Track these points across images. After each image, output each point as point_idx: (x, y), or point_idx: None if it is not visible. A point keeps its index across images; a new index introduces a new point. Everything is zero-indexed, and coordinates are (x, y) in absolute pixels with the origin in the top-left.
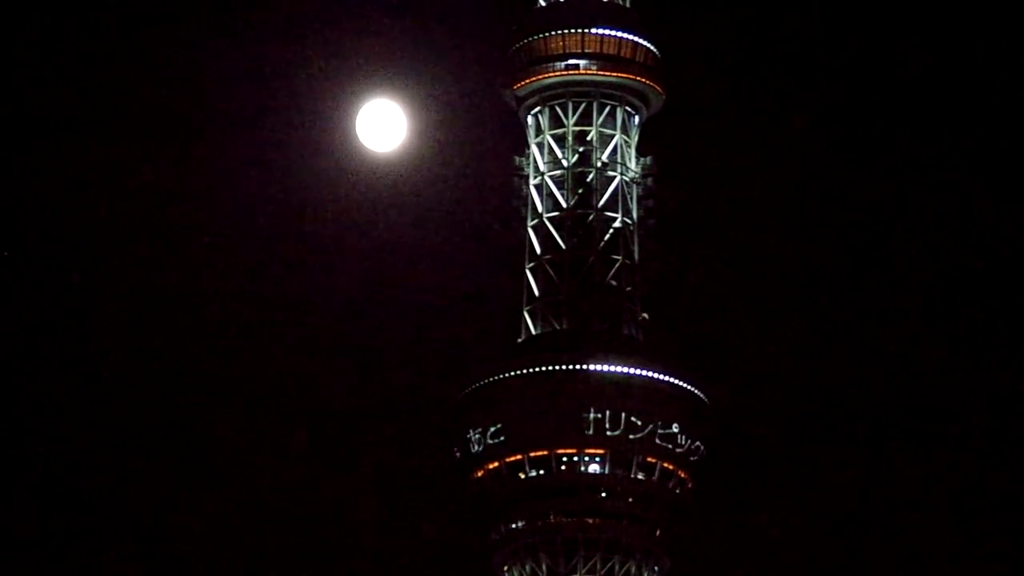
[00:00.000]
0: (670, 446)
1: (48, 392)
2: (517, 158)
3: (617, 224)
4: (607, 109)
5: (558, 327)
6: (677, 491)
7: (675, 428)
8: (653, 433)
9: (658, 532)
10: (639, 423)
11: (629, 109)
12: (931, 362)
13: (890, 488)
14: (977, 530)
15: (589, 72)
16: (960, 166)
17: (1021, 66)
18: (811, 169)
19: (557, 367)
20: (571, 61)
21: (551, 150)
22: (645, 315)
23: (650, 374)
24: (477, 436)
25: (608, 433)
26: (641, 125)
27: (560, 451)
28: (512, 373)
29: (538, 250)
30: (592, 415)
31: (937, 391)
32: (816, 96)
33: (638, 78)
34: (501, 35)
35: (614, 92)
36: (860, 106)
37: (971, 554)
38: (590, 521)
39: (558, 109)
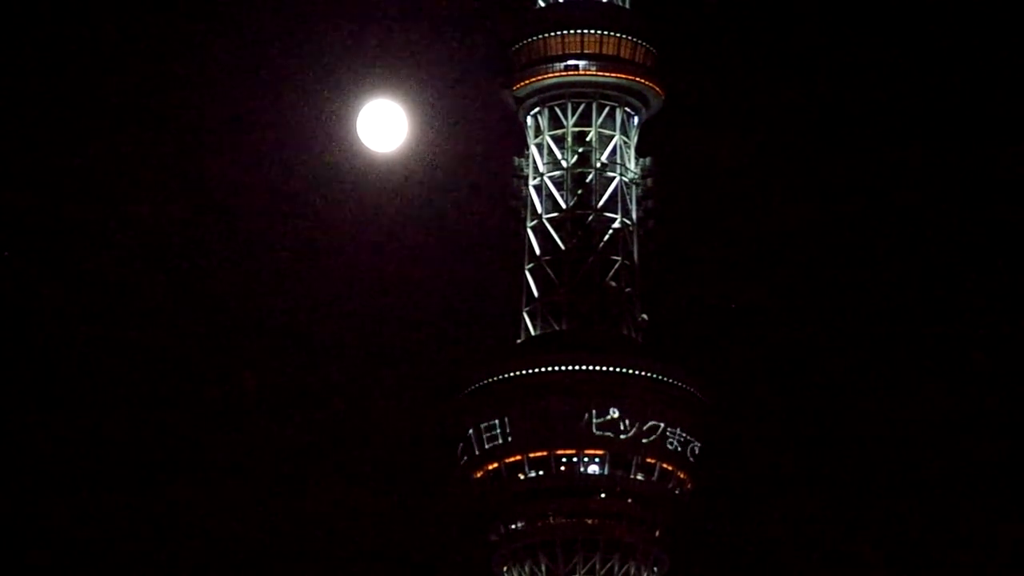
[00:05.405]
0: (669, 446)
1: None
2: (516, 159)
3: (616, 225)
4: (606, 110)
5: (558, 327)
6: (677, 491)
7: (674, 428)
8: (652, 433)
9: (658, 532)
10: (638, 423)
11: (628, 110)
12: (929, 357)
13: (887, 486)
14: (975, 525)
15: (588, 73)
16: (952, 161)
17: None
18: (810, 169)
19: (557, 367)
20: (570, 62)
21: (550, 151)
22: (644, 316)
23: (649, 374)
24: (477, 437)
25: (607, 433)
26: (640, 126)
27: (559, 452)
28: (512, 373)
29: (537, 251)
30: (591, 415)
31: (936, 386)
32: (816, 96)
33: (637, 79)
34: (501, 36)
35: (613, 93)
36: (860, 105)
37: (970, 551)
38: (590, 521)
39: (557, 110)
